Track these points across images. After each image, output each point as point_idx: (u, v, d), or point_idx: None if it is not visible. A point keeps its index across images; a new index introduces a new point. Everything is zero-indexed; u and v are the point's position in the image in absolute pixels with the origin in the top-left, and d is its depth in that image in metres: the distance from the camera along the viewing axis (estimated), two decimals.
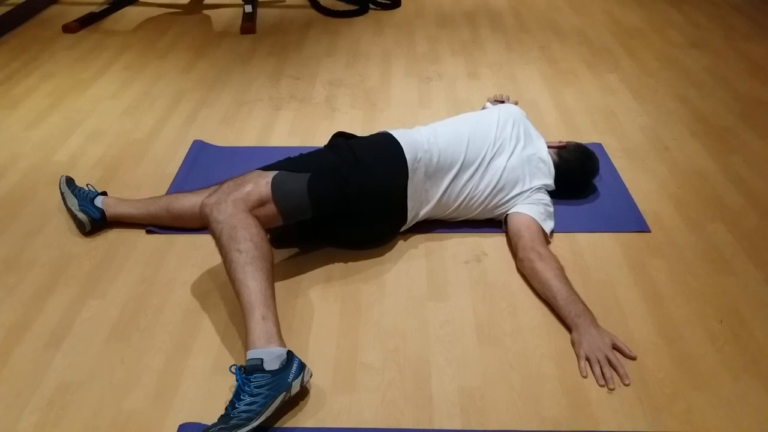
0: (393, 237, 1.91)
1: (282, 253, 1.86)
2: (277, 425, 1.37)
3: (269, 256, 1.55)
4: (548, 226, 1.87)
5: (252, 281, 1.47)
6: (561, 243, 1.90)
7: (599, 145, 2.37)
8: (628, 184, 2.16)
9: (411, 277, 1.78)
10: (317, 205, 1.69)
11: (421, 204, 1.85)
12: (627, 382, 1.46)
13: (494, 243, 1.90)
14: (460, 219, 1.95)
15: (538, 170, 1.93)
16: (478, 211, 1.91)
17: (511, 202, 1.89)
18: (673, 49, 3.25)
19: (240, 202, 1.59)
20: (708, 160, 2.32)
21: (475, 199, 1.88)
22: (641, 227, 1.97)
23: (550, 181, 1.96)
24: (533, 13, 3.72)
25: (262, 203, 1.63)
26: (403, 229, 1.90)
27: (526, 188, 1.90)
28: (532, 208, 1.87)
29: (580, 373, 1.49)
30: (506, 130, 1.94)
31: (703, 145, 2.41)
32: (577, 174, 2.04)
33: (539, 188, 1.92)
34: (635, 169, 2.26)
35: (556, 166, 1.99)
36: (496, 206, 1.90)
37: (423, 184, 1.82)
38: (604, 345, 1.52)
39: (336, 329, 1.61)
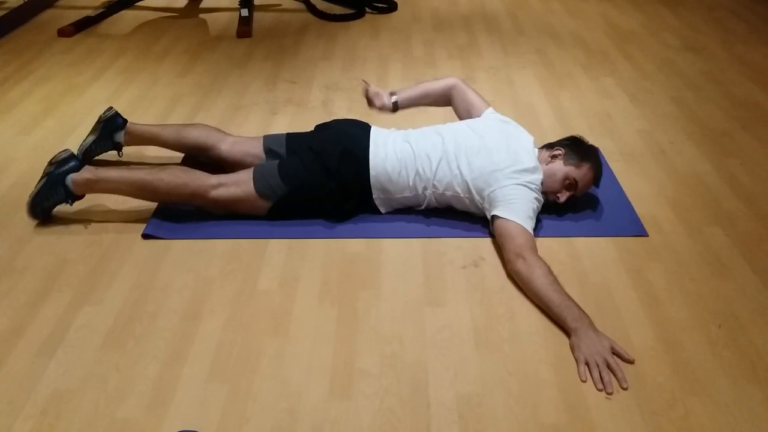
0: (365, 193, 1.96)
1: (279, 258, 1.85)
2: None
3: (169, 169, 1.95)
4: (531, 224, 1.82)
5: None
6: (558, 248, 1.89)
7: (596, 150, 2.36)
8: (625, 188, 2.16)
9: (408, 282, 1.77)
10: (288, 180, 1.92)
11: (386, 153, 1.93)
12: (625, 386, 1.46)
13: (492, 248, 1.89)
14: (448, 193, 1.93)
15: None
16: (460, 183, 1.91)
17: (494, 193, 1.86)
18: (670, 52, 3.25)
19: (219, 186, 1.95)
20: (705, 164, 2.32)
21: (452, 168, 1.91)
22: (639, 231, 1.96)
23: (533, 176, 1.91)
24: (529, 17, 3.72)
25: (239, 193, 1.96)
26: (377, 199, 1.97)
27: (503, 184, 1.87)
28: (514, 207, 1.82)
29: (580, 377, 1.48)
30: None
31: (699, 149, 2.41)
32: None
33: (521, 183, 1.87)
34: (632, 173, 2.26)
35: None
36: (479, 189, 1.89)
37: (387, 134, 2.01)
38: (603, 348, 1.51)
39: (333, 335, 1.60)
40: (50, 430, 1.37)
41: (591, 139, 2.51)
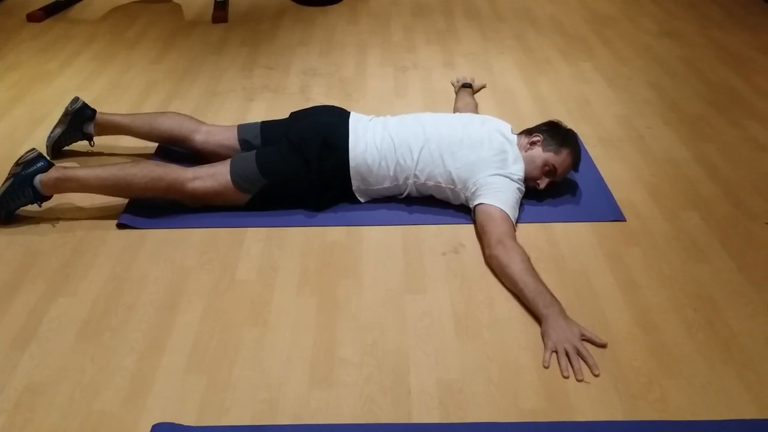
0: (344, 179, 1.93)
1: (257, 247, 1.83)
2: (252, 423, 1.35)
3: (142, 163, 1.92)
4: (514, 213, 1.84)
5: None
6: (537, 233, 1.90)
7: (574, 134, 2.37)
8: (602, 173, 2.17)
9: (388, 269, 1.77)
10: (267, 172, 1.89)
11: (366, 144, 1.91)
12: (597, 373, 1.46)
13: (471, 234, 1.89)
14: (429, 183, 1.92)
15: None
16: (443, 170, 1.90)
17: (476, 181, 1.87)
18: (647, 37, 3.26)
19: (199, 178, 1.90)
20: (682, 149, 2.33)
21: (433, 154, 1.91)
22: (616, 216, 1.97)
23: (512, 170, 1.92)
24: (508, 2, 3.71)
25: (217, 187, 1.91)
26: (358, 187, 1.95)
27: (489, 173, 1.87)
28: (499, 196, 1.83)
29: (543, 363, 1.49)
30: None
31: (676, 134, 2.43)
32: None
33: (503, 175, 1.88)
34: (610, 158, 2.27)
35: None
36: (462, 179, 1.89)
37: (367, 123, 1.99)
38: (573, 336, 1.52)
39: (313, 324, 1.59)
40: (25, 423, 1.34)
41: (569, 125, 2.52)
